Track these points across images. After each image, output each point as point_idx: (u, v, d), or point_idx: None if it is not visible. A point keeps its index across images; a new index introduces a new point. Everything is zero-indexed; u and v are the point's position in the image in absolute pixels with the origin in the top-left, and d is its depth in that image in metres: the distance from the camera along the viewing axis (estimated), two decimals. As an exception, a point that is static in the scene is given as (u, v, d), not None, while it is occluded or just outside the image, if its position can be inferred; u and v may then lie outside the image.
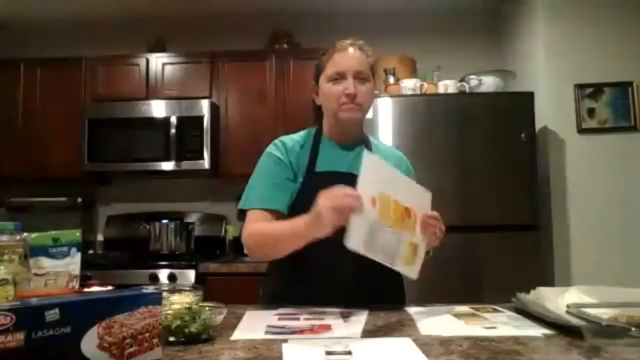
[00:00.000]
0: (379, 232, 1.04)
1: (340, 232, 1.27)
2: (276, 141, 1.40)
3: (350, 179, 1.32)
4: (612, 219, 2.63)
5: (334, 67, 1.31)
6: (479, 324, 1.01)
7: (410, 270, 1.12)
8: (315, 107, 1.42)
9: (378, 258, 1.04)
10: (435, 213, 1.18)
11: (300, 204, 1.29)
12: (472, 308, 1.17)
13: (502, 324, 1.01)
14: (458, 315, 1.10)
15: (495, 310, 1.15)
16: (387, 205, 1.07)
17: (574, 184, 2.68)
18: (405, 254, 1.10)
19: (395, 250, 1.08)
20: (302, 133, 1.43)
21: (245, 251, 1.29)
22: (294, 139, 1.40)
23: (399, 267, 1.10)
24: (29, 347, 0.63)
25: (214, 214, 3.31)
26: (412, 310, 1.18)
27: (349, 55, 1.31)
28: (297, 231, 1.13)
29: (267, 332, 0.96)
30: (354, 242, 0.99)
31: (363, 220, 1.01)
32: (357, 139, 1.40)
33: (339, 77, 1.30)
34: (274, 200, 1.29)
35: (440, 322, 1.05)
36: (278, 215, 1.28)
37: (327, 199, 1.03)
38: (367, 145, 1.41)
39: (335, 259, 1.14)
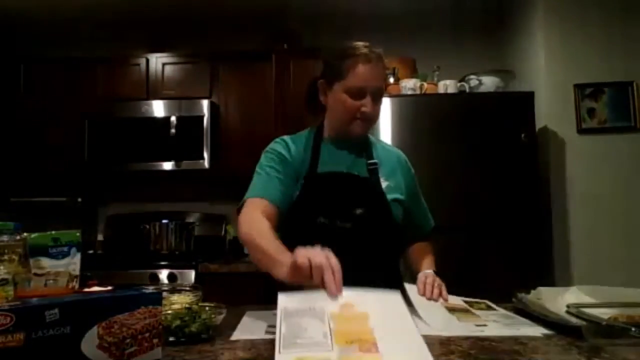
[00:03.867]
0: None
1: (340, 235, 1.27)
2: (278, 139, 1.39)
3: (350, 179, 1.33)
4: (612, 219, 2.63)
5: (356, 80, 1.26)
6: (471, 322, 1.02)
7: None
8: (312, 101, 1.40)
9: None
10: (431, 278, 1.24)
11: (302, 205, 1.29)
12: (465, 302, 1.17)
13: (492, 322, 1.01)
14: (451, 310, 1.10)
15: (488, 308, 1.15)
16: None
17: (574, 184, 2.67)
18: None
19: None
20: (303, 133, 1.42)
21: (233, 229, 1.26)
22: (296, 140, 1.39)
23: None
24: (29, 347, 0.63)
25: (214, 214, 3.30)
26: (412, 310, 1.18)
27: (372, 71, 1.27)
28: (266, 261, 1.06)
29: (267, 332, 0.96)
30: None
31: None
32: (361, 143, 1.40)
33: (359, 92, 1.26)
34: (273, 193, 1.26)
35: (436, 318, 1.05)
36: (275, 209, 1.25)
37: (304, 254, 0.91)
38: (367, 146, 1.40)
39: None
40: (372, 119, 1.31)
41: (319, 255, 0.89)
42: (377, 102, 1.30)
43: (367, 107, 1.27)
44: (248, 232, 1.17)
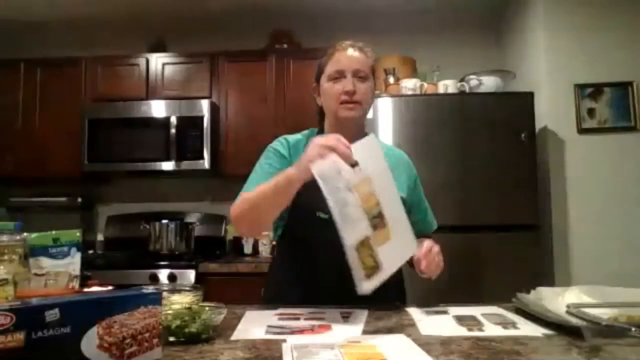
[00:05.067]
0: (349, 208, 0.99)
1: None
2: (280, 138, 1.41)
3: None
4: (612, 218, 2.63)
5: (334, 66, 1.32)
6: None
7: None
8: (319, 109, 1.43)
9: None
10: (437, 248, 1.21)
11: (302, 200, 1.29)
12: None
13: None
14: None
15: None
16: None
17: (574, 184, 2.68)
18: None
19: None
20: (305, 132, 1.44)
21: (233, 228, 1.28)
22: (297, 138, 1.41)
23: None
24: (29, 347, 0.63)
25: (214, 214, 3.30)
26: (412, 310, 1.18)
27: (348, 55, 1.32)
28: (278, 182, 1.14)
29: (267, 332, 0.95)
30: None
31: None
32: (358, 138, 1.40)
33: (339, 75, 1.31)
34: None
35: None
36: None
37: (318, 139, 1.07)
38: None
39: (335, 259, 1.14)
40: (357, 99, 1.31)
41: (322, 145, 1.04)
42: (361, 82, 1.31)
43: (348, 85, 1.29)
44: (244, 202, 1.24)
